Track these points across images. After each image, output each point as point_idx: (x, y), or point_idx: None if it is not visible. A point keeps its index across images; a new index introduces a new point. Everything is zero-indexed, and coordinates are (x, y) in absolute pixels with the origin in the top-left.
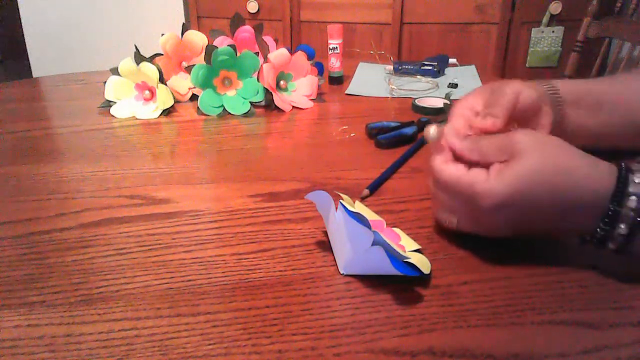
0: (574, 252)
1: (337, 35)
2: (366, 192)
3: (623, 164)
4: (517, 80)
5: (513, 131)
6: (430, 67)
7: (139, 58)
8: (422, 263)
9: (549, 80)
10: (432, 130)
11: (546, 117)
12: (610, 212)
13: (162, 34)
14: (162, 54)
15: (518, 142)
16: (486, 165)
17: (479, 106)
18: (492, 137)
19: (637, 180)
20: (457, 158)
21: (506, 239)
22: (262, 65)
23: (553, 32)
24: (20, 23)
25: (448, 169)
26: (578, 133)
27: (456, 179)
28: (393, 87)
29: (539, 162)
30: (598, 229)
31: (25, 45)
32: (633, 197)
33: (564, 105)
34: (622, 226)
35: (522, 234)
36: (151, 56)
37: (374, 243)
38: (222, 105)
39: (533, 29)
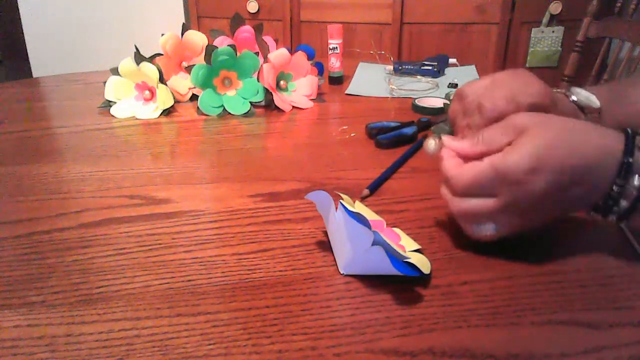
0: (574, 252)
1: (337, 35)
2: (366, 192)
3: (629, 130)
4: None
5: (510, 116)
6: (430, 67)
7: (139, 58)
8: (422, 263)
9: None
10: (430, 144)
11: None
12: (623, 166)
13: (162, 34)
14: (162, 54)
15: (521, 121)
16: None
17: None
18: (491, 126)
19: None
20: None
21: (505, 240)
22: (262, 65)
23: (553, 32)
24: (20, 23)
25: (462, 171)
26: None
27: (475, 174)
28: (393, 87)
29: (552, 128)
30: (614, 186)
31: (25, 45)
32: None
33: None
34: (636, 179)
35: (563, 210)
36: (151, 56)
37: (374, 243)
38: (222, 105)
39: (533, 29)
